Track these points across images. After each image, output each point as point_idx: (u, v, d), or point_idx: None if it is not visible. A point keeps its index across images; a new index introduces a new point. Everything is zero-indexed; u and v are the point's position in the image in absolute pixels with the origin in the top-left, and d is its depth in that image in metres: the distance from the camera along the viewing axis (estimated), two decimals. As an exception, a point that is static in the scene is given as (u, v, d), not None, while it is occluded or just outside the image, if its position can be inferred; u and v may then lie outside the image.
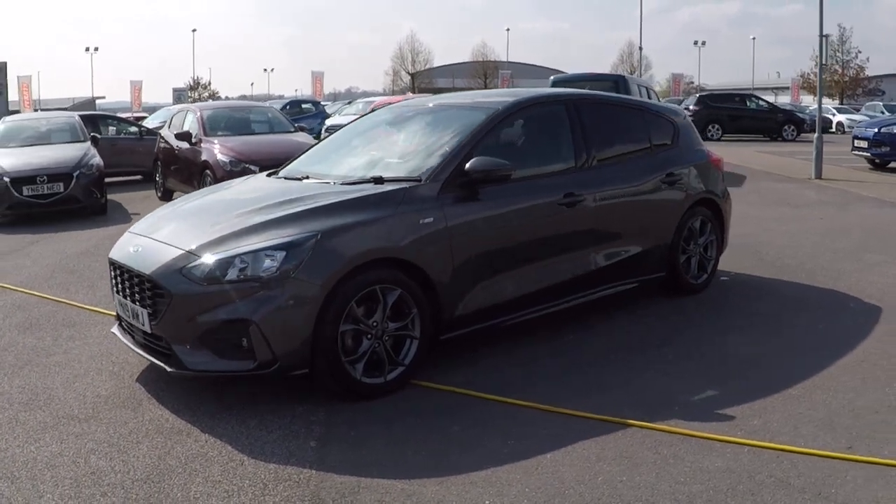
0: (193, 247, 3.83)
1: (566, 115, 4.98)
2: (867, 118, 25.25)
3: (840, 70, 50.77)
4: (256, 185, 4.96)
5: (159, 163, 12.01)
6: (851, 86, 51.22)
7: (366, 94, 52.67)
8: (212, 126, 10.76)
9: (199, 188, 8.42)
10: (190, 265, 3.73)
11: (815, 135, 14.35)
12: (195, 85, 61.08)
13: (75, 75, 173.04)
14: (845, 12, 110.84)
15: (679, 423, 3.48)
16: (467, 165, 4.20)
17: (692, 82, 64.92)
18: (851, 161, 15.85)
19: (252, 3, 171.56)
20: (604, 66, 64.56)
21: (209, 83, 64.04)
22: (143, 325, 3.91)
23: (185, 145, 10.52)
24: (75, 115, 12.90)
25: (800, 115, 27.50)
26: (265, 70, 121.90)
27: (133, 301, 4.01)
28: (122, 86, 69.85)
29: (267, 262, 3.64)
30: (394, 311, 3.89)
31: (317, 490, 3.00)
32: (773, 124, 26.01)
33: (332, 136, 5.65)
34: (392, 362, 3.90)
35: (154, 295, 3.83)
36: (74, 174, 10.27)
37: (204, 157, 9.92)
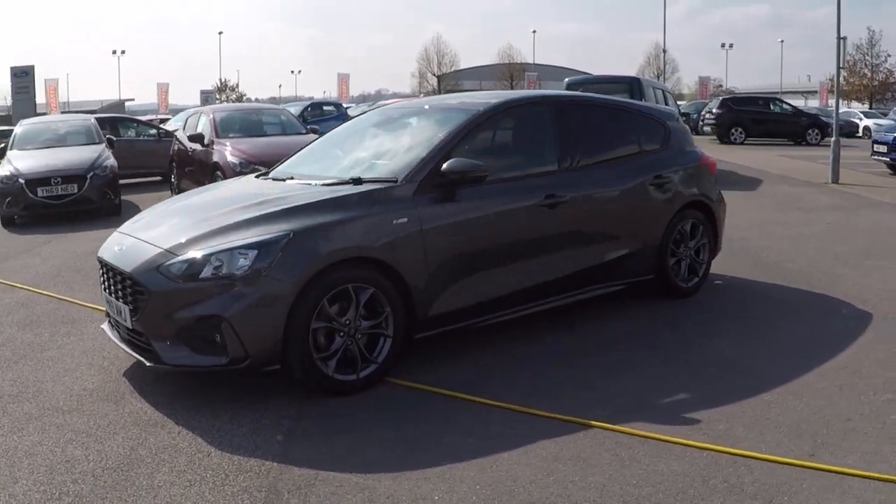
0: (172, 245, 3.94)
1: (550, 116, 5.01)
2: (894, 122, 24.77)
3: (869, 74, 49.77)
4: (243, 186, 5.07)
5: (174, 164, 12.26)
6: (881, 90, 50.18)
7: (395, 96, 52.80)
8: (224, 128, 10.94)
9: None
10: (167, 263, 3.84)
11: (832, 138, 14.16)
12: (223, 87, 61.69)
13: (104, 77, 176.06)
14: (875, 13, 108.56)
15: (642, 426, 3.48)
16: (444, 166, 4.25)
17: (720, 85, 64.10)
18: (872, 166, 15.59)
19: (277, 6, 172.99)
20: (631, 69, 63.84)
21: (237, 85, 64.75)
22: (126, 321, 4.02)
23: (198, 147, 10.70)
24: (91, 117, 13.15)
25: (825, 119, 27.04)
26: (292, 72, 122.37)
27: (117, 298, 4.13)
28: (151, 88, 70.66)
29: (241, 261, 3.73)
30: (367, 310, 3.96)
31: (274, 482, 3.07)
32: (797, 128, 25.64)
33: (324, 136, 5.73)
34: (365, 360, 3.96)
35: (135, 292, 3.94)
36: (88, 175, 10.48)
37: (215, 158, 10.10)
